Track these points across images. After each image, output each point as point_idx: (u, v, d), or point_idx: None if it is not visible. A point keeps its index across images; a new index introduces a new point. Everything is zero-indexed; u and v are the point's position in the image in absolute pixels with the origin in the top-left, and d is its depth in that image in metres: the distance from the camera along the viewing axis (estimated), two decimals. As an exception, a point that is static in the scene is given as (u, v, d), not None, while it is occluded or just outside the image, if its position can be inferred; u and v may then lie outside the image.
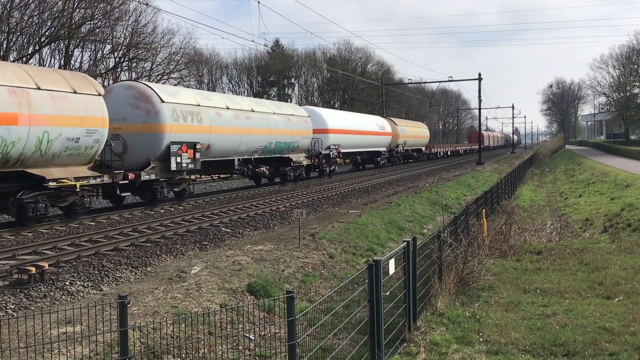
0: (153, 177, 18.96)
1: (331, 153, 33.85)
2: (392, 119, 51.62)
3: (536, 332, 8.22)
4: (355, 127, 38.81)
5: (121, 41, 42.80)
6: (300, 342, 5.53)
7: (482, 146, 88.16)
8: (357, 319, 7.01)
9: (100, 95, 16.66)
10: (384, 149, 46.09)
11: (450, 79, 60.72)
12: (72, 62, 40.34)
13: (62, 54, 40.16)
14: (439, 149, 70.50)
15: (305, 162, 30.11)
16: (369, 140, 41.83)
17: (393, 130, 48.09)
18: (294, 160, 28.69)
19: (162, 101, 19.24)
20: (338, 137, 35.09)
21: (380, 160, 45.50)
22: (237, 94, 69.03)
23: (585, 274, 11.78)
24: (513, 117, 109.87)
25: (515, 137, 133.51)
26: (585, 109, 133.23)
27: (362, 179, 33.45)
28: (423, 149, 60.65)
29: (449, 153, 75.86)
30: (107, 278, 9.86)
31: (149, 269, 10.66)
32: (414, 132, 56.75)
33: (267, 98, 68.84)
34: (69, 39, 38.22)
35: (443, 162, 60.80)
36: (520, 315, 9.07)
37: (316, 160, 31.95)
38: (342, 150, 35.93)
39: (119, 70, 43.77)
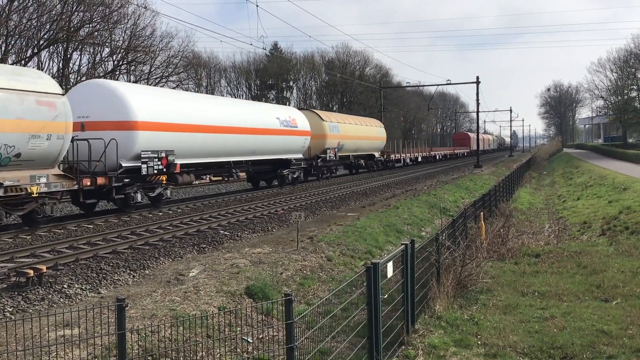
0: None
1: (145, 167, 18.20)
2: (316, 111, 36.25)
3: (534, 334, 8.24)
4: (218, 121, 22.33)
5: (120, 44, 42.88)
6: (298, 345, 5.53)
7: (470, 149, 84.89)
8: (356, 322, 7.01)
9: None
10: (298, 156, 30.03)
11: (449, 82, 60.49)
12: (71, 65, 40.39)
13: (60, 57, 40.22)
14: (403, 155, 54.71)
15: (53, 188, 15.15)
16: (260, 143, 25.55)
17: (316, 129, 32.93)
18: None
19: None
20: (164, 138, 19.07)
21: (290, 174, 29.45)
22: (236, 97, 69.07)
23: (583, 277, 11.81)
24: (511, 120, 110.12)
25: (510, 140, 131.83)
26: (583, 112, 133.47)
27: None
28: (376, 154, 45.07)
29: (419, 159, 60.20)
30: (105, 281, 9.85)
31: (147, 271, 10.66)
32: (359, 132, 40.68)
33: (266, 101, 68.73)
34: (68, 42, 38.24)
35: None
36: (519, 318, 9.08)
37: (101, 183, 16.75)
38: (186, 161, 20.43)
39: (117, 73, 43.82)
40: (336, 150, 35.95)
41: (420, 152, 61.99)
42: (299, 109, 36.54)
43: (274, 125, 27.25)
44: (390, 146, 51.37)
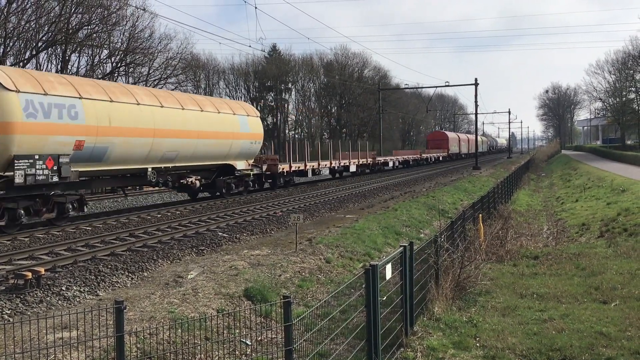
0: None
1: None
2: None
3: (533, 337, 8.23)
4: None
5: (118, 46, 42.87)
6: (297, 347, 5.53)
7: (448, 153, 71.95)
8: (354, 324, 7.00)
9: None
10: None
11: (447, 84, 60.50)
12: (69, 67, 40.35)
13: (59, 58, 40.16)
14: (312, 165, 32.41)
15: None
16: None
17: None
18: None
19: None
20: None
21: None
22: (234, 99, 69.12)
23: (582, 279, 11.81)
24: (509, 122, 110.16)
25: (508, 141, 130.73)
26: (582, 114, 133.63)
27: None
28: (240, 165, 25.11)
29: (351, 169, 38.57)
30: (103, 283, 9.84)
31: (145, 274, 10.65)
32: (172, 121, 20.21)
33: (265, 103, 68.83)
34: (66, 44, 38.21)
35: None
36: (517, 320, 9.08)
37: None
38: None
39: (116, 75, 43.79)
40: (64, 161, 15.89)
41: (355, 159, 39.30)
42: None
43: None
44: (280, 149, 30.28)
